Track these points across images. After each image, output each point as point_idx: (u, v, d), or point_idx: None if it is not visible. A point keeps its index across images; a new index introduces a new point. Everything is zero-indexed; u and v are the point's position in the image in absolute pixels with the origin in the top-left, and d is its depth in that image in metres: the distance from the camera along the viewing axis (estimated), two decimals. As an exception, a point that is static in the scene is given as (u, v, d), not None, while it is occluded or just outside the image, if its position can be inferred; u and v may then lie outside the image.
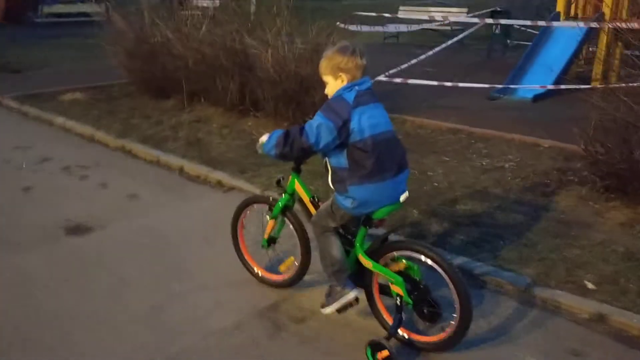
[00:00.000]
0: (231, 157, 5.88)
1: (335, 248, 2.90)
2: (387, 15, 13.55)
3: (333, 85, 2.76)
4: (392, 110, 7.60)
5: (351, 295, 2.89)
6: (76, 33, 19.41)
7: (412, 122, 7.16)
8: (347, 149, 2.66)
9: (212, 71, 7.51)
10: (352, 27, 7.79)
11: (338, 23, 7.69)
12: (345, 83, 2.71)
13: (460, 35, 11.67)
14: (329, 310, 2.96)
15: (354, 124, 2.61)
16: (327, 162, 2.82)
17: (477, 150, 6.12)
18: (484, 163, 5.70)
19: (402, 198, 2.74)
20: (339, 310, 2.95)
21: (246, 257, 3.61)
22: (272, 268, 3.55)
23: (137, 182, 5.39)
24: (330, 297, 2.98)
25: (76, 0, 20.25)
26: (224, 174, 5.38)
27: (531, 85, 8.44)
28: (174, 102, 8.36)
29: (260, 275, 3.56)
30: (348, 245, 2.98)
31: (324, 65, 2.77)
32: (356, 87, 2.69)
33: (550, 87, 8.03)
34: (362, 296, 2.97)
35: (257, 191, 4.93)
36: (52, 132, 7.22)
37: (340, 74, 2.70)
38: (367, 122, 2.63)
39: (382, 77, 8.01)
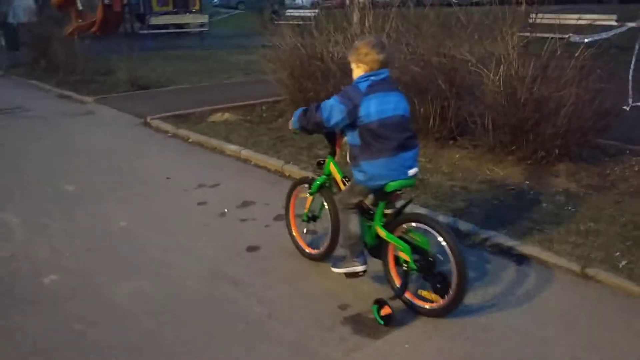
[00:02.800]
0: (481, 207, 4.55)
1: (354, 224, 3.22)
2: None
3: (355, 73, 3.08)
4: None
5: (359, 268, 3.25)
6: (179, 45, 18.82)
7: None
8: (358, 130, 2.98)
9: (408, 93, 6.24)
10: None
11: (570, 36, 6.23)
12: (362, 73, 3.02)
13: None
14: (337, 271, 3.35)
15: (362, 110, 2.93)
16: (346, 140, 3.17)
17: None
18: None
19: (411, 173, 3.02)
20: (346, 275, 3.32)
21: (294, 231, 3.92)
22: (311, 242, 3.89)
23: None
24: (342, 262, 3.34)
25: (181, 12, 19.69)
26: (495, 233, 4.03)
27: None
28: (344, 126, 7.16)
29: (300, 245, 3.87)
30: (370, 219, 3.24)
31: (351, 53, 3.11)
32: (372, 78, 2.99)
33: None
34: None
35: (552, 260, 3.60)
36: (229, 164, 6.10)
37: (360, 64, 3.02)
38: (375, 108, 2.93)
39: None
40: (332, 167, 3.48)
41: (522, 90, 5.38)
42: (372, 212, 3.24)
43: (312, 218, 3.76)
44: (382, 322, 3.01)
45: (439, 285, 2.99)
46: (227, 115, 8.12)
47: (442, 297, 2.98)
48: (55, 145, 6.95)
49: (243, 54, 16.10)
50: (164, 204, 4.94)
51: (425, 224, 3.01)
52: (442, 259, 3.00)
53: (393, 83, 3.14)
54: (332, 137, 3.43)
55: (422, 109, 6.12)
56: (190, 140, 6.99)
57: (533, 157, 5.42)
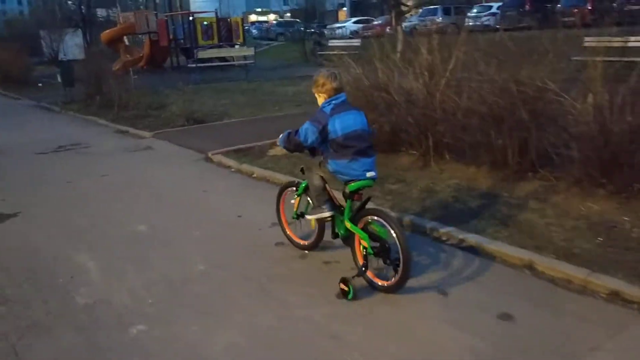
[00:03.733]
0: (584, 248, 4.17)
1: (317, 179, 3.94)
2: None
3: (319, 100, 3.89)
4: None
5: (326, 213, 3.96)
6: (225, 77, 18.96)
7: None
8: (330, 142, 3.76)
9: (485, 123, 5.96)
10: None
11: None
12: (324, 99, 3.83)
13: None
14: (310, 217, 4.11)
15: (330, 127, 3.70)
16: (321, 151, 3.97)
17: None
18: None
19: (369, 175, 3.74)
20: (317, 220, 4.12)
21: (285, 226, 4.61)
22: (301, 235, 4.48)
23: (504, 297, 3.75)
24: (313, 211, 4.06)
25: (225, 45, 19.95)
26: (620, 282, 3.64)
27: None
28: (410, 158, 6.87)
29: (292, 238, 4.54)
30: (341, 215, 3.92)
31: (312, 85, 3.91)
32: (333, 102, 3.78)
33: None
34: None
35: None
36: (298, 200, 5.89)
37: (320, 93, 3.85)
38: (339, 125, 3.70)
39: None
40: None
41: (613, 119, 5.03)
42: (342, 208, 3.91)
43: (301, 215, 4.34)
44: (350, 295, 3.64)
45: (398, 268, 3.55)
46: (286, 148, 7.96)
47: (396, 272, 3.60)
48: (120, 182, 6.89)
49: (289, 85, 16.14)
50: (240, 244, 4.73)
51: (381, 218, 3.65)
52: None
53: (350, 104, 3.91)
54: (313, 149, 4.03)
55: (499, 140, 5.82)
56: (254, 175, 6.82)
57: (628, 190, 5.03)
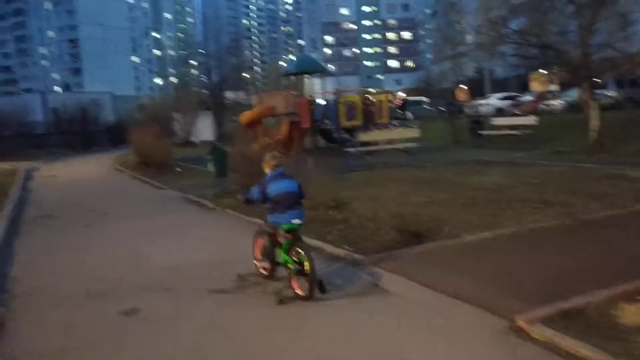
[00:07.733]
0: None
1: (267, 241, 5.71)
2: None
3: (266, 170, 5.69)
4: None
5: (267, 265, 5.77)
6: (381, 162, 15.38)
7: None
8: (269, 200, 5.46)
9: None
10: None
11: None
12: (268, 171, 5.64)
13: None
14: (258, 264, 5.96)
15: (268, 189, 5.46)
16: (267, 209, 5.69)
17: None
18: None
19: (294, 221, 5.39)
20: (262, 269, 5.88)
21: (257, 258, 6.08)
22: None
23: None
24: (260, 262, 5.89)
25: (371, 127, 17.00)
26: None
27: None
28: None
29: (258, 269, 6.04)
30: (280, 247, 5.61)
31: (263, 161, 5.79)
32: (272, 173, 5.59)
33: None
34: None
35: None
36: None
37: (266, 166, 5.68)
38: (274, 187, 5.45)
39: None
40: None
41: None
42: (281, 244, 5.56)
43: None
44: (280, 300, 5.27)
45: (307, 281, 5.26)
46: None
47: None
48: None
49: (474, 173, 12.74)
50: None
51: (300, 249, 5.33)
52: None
53: (285, 174, 5.64)
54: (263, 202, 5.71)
55: None
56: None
57: None
